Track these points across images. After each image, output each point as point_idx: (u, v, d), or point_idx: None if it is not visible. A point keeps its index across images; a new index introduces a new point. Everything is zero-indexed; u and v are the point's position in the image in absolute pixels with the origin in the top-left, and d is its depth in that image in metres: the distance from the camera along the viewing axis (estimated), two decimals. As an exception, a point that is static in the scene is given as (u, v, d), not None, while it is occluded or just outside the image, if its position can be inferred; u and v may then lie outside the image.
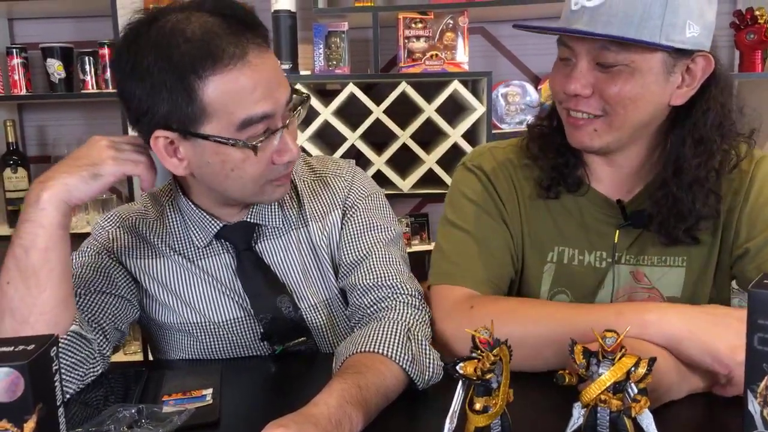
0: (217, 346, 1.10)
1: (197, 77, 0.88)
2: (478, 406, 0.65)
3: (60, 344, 0.80)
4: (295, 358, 1.08)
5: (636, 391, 0.64)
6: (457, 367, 0.64)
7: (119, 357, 2.40)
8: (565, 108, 1.02)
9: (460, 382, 0.66)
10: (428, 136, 2.40)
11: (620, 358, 0.64)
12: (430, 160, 2.26)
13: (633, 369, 0.64)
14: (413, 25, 2.22)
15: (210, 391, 0.92)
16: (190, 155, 0.95)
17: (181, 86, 0.88)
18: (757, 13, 2.29)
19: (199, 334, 1.09)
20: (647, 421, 0.65)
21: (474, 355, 0.65)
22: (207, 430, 0.82)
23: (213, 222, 1.06)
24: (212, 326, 1.09)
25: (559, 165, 1.09)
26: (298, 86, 1.60)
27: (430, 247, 2.36)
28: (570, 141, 1.04)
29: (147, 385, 0.96)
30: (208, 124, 0.91)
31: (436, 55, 2.23)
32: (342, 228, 1.11)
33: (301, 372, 1.05)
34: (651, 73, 0.94)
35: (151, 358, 1.24)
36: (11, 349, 0.54)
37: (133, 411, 0.83)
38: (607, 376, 0.64)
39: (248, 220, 1.08)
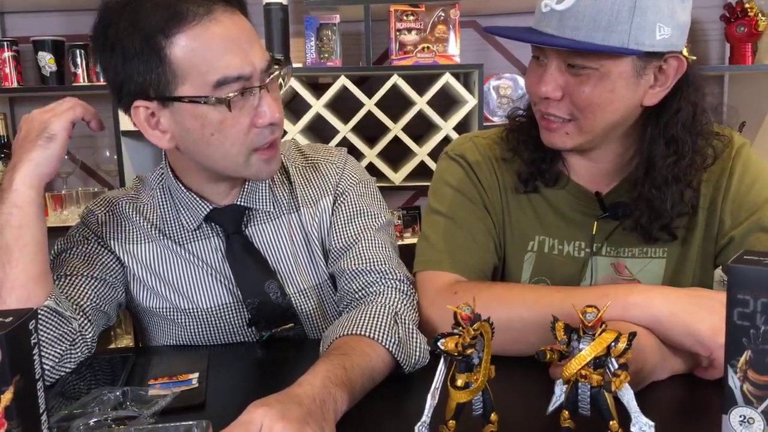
0: (205, 332, 1.10)
1: (164, 37, 0.89)
2: (459, 382, 0.66)
3: None
4: (283, 344, 1.08)
5: (616, 366, 0.65)
6: (438, 343, 0.64)
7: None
8: (539, 109, 1.02)
9: (442, 359, 0.67)
10: (420, 128, 2.40)
11: (600, 334, 0.65)
12: (421, 153, 2.26)
13: (613, 344, 0.64)
14: (405, 18, 2.22)
15: (196, 375, 0.92)
16: (170, 125, 0.95)
17: (150, 48, 0.89)
18: (746, 5, 2.30)
19: (186, 320, 1.09)
20: (627, 396, 0.65)
21: (455, 331, 0.65)
22: (192, 412, 0.82)
23: (203, 204, 1.06)
24: (200, 312, 1.08)
25: (537, 159, 1.09)
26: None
27: (422, 239, 2.35)
28: (543, 140, 1.04)
29: (133, 370, 0.96)
30: (182, 86, 0.91)
31: (428, 47, 2.23)
32: (332, 214, 1.11)
33: (288, 358, 1.05)
34: (621, 78, 0.94)
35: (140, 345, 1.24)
36: (-11, 321, 0.54)
37: (117, 393, 0.84)
38: (587, 351, 0.64)
39: (239, 203, 1.07)
